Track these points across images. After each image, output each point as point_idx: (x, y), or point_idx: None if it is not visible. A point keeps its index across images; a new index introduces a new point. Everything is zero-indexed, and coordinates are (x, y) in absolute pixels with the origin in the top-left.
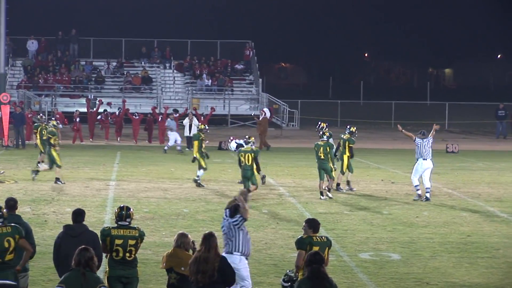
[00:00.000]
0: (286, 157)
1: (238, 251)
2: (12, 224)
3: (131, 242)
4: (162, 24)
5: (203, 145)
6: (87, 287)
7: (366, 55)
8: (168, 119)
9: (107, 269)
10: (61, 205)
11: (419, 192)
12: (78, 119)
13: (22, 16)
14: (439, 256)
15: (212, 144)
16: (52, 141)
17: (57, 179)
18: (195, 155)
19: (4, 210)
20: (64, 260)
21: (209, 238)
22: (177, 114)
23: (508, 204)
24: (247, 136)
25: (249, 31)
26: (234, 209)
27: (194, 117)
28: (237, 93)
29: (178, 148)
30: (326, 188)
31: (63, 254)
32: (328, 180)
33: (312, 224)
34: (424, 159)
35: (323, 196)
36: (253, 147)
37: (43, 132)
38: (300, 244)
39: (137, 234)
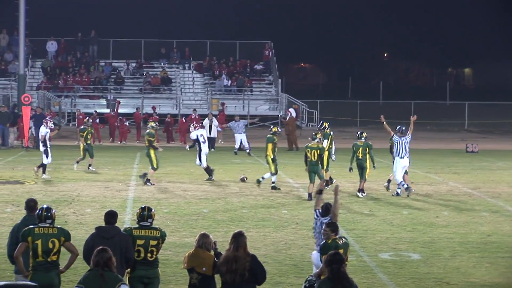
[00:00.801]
0: None
1: None
2: (59, 226)
3: (153, 242)
4: (181, 25)
5: (276, 149)
6: (106, 287)
7: (385, 55)
8: (232, 122)
9: (129, 270)
10: (81, 206)
11: (406, 186)
12: (97, 120)
13: (42, 18)
14: (459, 256)
15: (230, 144)
16: (153, 143)
17: (148, 180)
18: (267, 159)
19: (53, 211)
20: None
21: (238, 237)
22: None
23: None
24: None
25: (268, 32)
26: (326, 209)
27: (214, 117)
28: (256, 94)
29: (247, 150)
30: (358, 190)
31: None
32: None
33: (334, 228)
34: (401, 158)
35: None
36: (320, 144)
37: (88, 136)
38: (327, 249)
39: (159, 235)
